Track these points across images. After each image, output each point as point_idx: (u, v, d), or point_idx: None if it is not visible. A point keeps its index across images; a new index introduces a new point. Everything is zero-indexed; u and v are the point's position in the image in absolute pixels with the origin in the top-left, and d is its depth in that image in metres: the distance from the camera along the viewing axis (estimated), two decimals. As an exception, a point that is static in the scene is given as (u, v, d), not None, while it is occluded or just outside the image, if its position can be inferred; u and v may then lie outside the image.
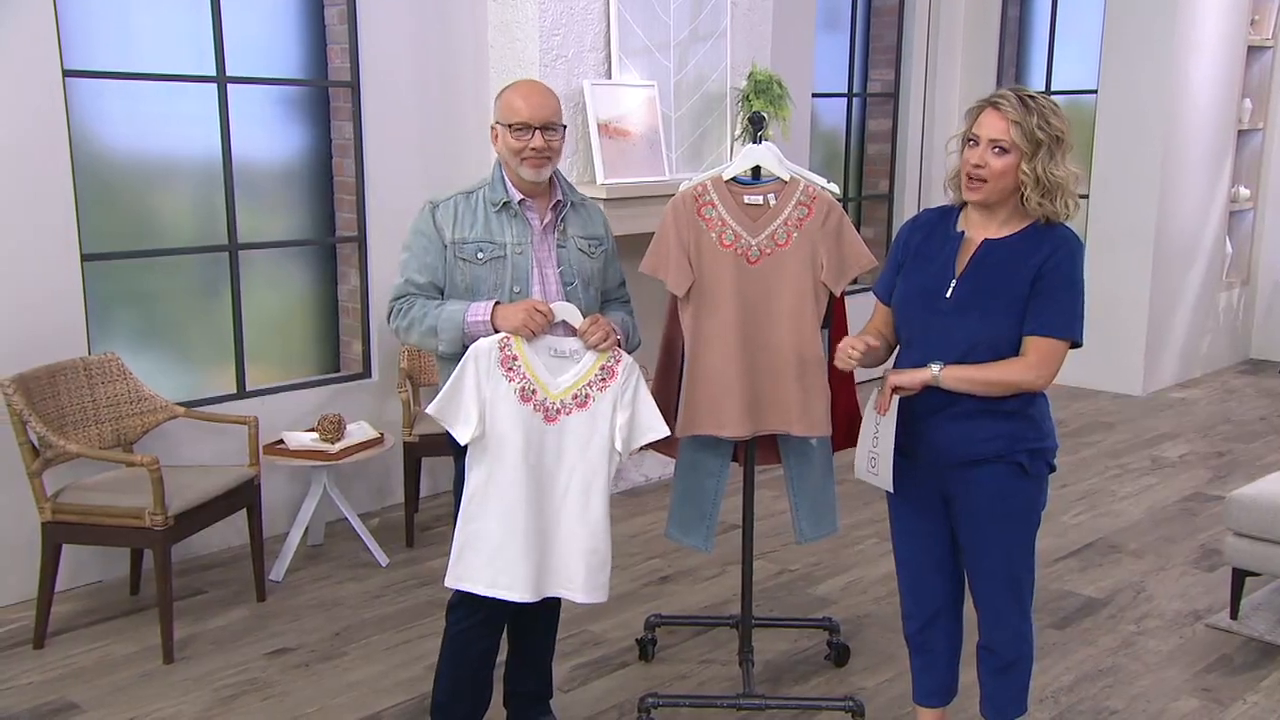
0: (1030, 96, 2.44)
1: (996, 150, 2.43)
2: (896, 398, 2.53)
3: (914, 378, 2.50)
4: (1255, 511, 3.70)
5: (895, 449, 2.56)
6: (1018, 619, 2.67)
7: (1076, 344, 2.49)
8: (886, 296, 2.69)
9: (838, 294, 3.03)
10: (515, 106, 2.68)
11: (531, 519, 2.65)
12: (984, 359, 2.48)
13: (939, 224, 2.62)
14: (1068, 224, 2.52)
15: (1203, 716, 3.24)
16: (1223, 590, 3.97)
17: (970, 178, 2.47)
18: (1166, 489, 5.27)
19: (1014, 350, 2.48)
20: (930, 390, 2.51)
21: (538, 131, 2.67)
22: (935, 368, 2.48)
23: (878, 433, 2.58)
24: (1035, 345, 2.46)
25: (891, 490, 2.61)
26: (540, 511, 2.67)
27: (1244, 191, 7.75)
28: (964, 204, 2.59)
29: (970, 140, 2.47)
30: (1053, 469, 2.62)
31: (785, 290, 2.96)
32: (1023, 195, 2.45)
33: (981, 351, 2.48)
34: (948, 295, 2.52)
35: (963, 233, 2.56)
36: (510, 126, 2.67)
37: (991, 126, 2.43)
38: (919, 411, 2.55)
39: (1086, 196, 7.01)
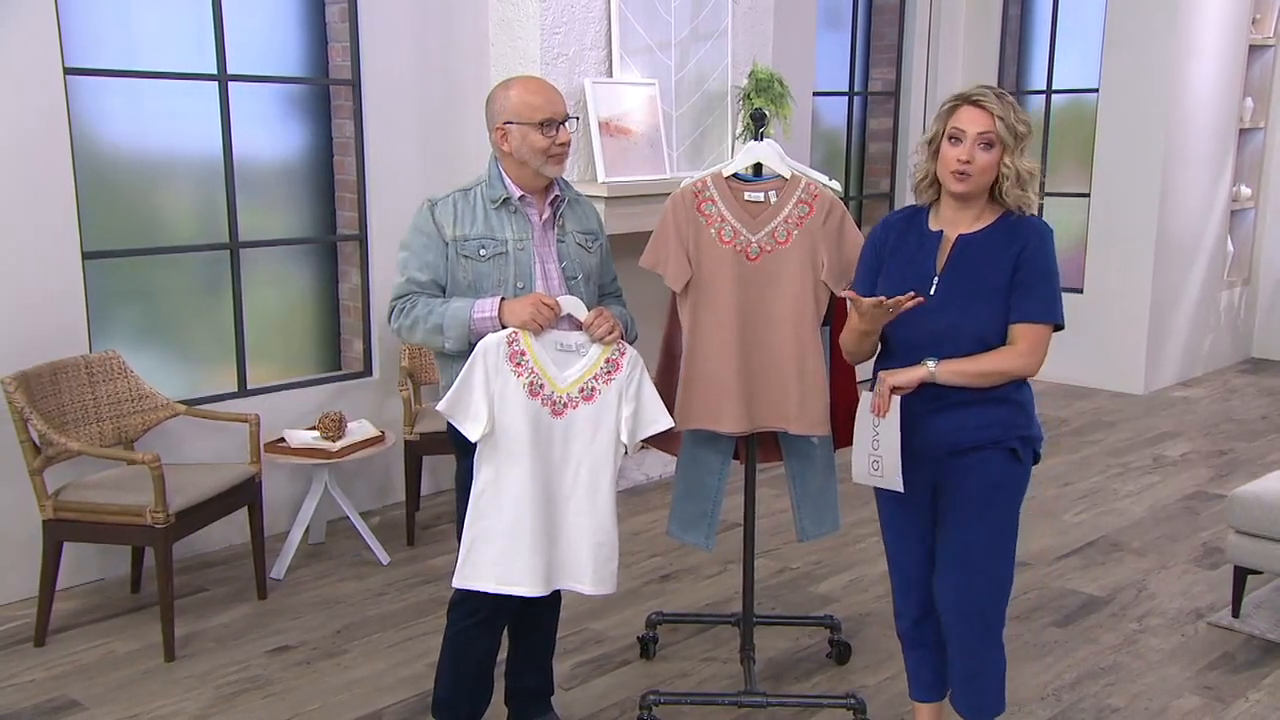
0: (1000, 92, 2.52)
1: (983, 145, 2.47)
2: (897, 398, 2.52)
3: (910, 376, 2.51)
4: (1257, 510, 3.70)
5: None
6: (993, 619, 2.65)
7: (1059, 326, 2.55)
8: (865, 294, 2.66)
9: (839, 293, 3.02)
10: (536, 104, 2.67)
11: (540, 513, 2.65)
12: (970, 351, 2.51)
13: (911, 223, 2.65)
14: (1032, 214, 2.59)
15: (1204, 715, 3.24)
16: (1224, 588, 3.97)
17: (956, 173, 2.49)
18: (1168, 487, 5.26)
19: (999, 340, 2.52)
20: (922, 384, 2.52)
21: (561, 126, 2.68)
22: (930, 364, 2.51)
23: (877, 435, 2.57)
24: (1023, 333, 2.51)
25: (901, 490, 2.59)
26: (548, 505, 2.68)
27: (1245, 190, 7.75)
28: (933, 203, 2.62)
29: (952, 138, 2.50)
30: (1038, 458, 2.64)
31: (785, 288, 2.96)
32: (999, 188, 2.51)
33: (967, 344, 2.51)
34: (931, 292, 2.54)
35: (940, 231, 2.59)
36: (539, 125, 2.66)
37: (978, 121, 2.47)
38: (911, 406, 2.56)
39: (1086, 196, 7.01)
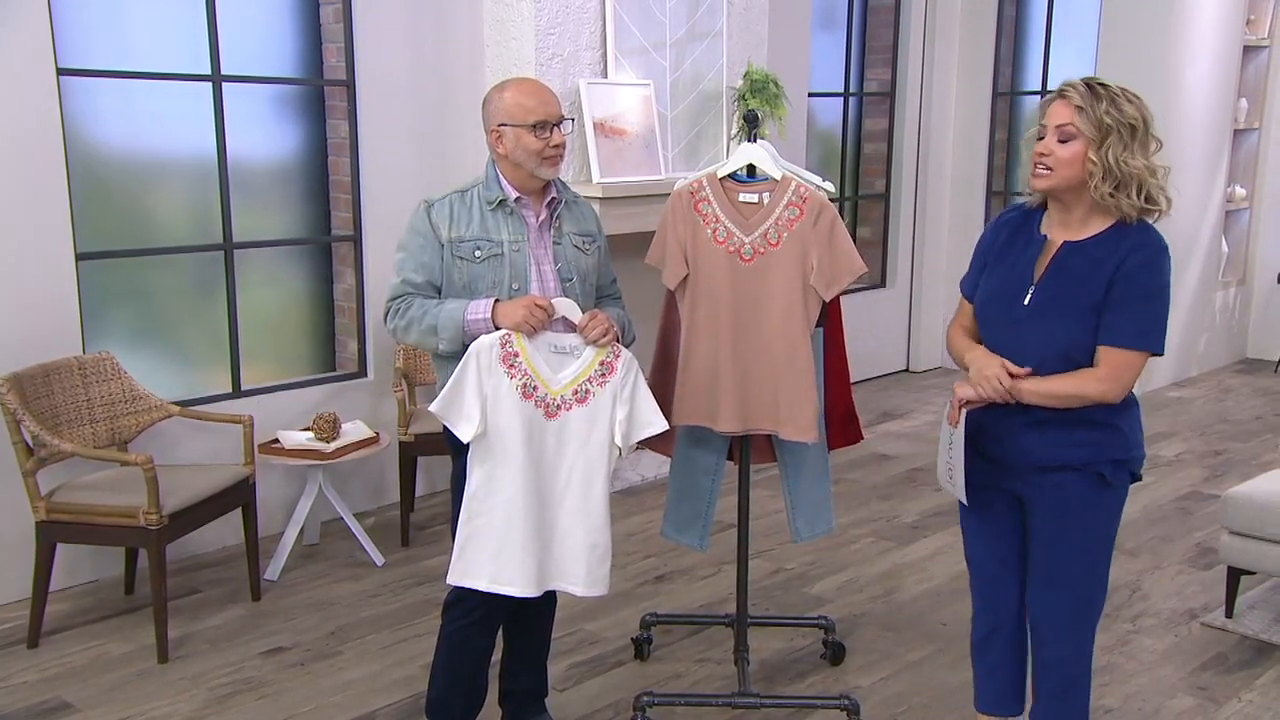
0: (1101, 84, 2.35)
1: (1062, 139, 2.35)
2: (964, 410, 2.44)
3: (982, 391, 2.42)
4: (1250, 510, 3.70)
5: (972, 456, 2.50)
6: (1081, 638, 2.58)
7: (1155, 353, 2.38)
8: (972, 294, 2.61)
9: (828, 300, 3.00)
10: (530, 106, 2.67)
11: (533, 514, 2.66)
12: (1060, 368, 2.40)
13: (1022, 225, 2.53)
14: (1152, 223, 2.41)
15: (1198, 715, 3.24)
16: (1218, 589, 3.97)
17: (1036, 165, 2.39)
18: (1163, 488, 5.27)
19: (1087, 359, 2.39)
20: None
21: (555, 128, 2.68)
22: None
23: (951, 444, 2.50)
24: (1106, 356, 2.36)
25: (964, 502, 2.53)
26: (541, 507, 2.68)
27: (1240, 191, 7.76)
28: (1044, 205, 2.51)
29: (1040, 136, 2.40)
30: (1136, 478, 2.54)
31: (777, 291, 2.96)
32: (1093, 186, 2.34)
33: (1058, 360, 2.40)
34: (1025, 302, 2.44)
35: (1045, 236, 2.47)
36: (532, 127, 2.66)
37: (1057, 114, 2.36)
38: (1001, 416, 2.47)
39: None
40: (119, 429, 3.91)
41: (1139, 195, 2.35)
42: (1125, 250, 2.36)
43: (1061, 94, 2.37)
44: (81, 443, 3.74)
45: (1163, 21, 6.68)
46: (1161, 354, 2.40)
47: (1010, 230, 2.56)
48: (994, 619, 2.72)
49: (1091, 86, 2.35)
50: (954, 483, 2.54)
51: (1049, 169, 2.37)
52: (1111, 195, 2.35)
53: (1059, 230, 2.46)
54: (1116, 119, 2.31)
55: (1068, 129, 2.34)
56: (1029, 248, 2.49)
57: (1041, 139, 2.40)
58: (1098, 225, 2.41)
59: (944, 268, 7.58)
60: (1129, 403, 2.47)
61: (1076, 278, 2.39)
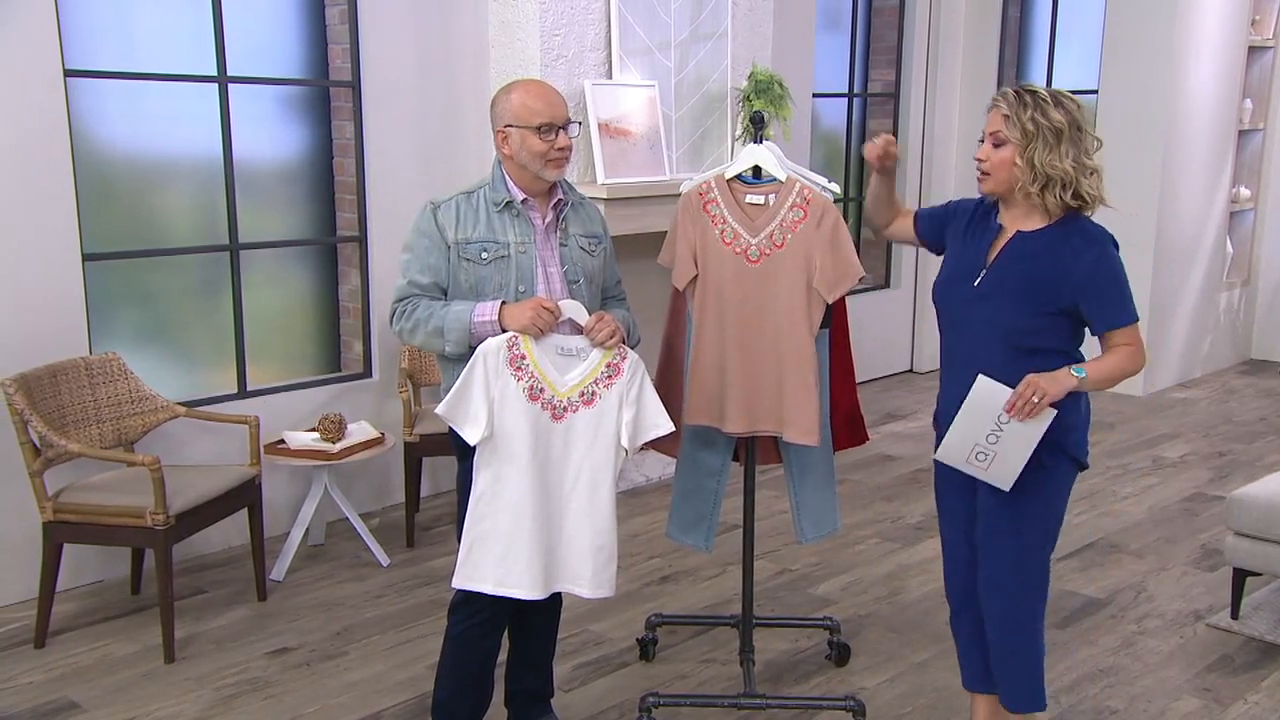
0: (1030, 91, 2.53)
1: (995, 143, 2.54)
2: (1048, 408, 2.47)
3: (1062, 387, 2.47)
4: (1256, 511, 3.70)
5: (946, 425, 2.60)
6: (1021, 612, 2.68)
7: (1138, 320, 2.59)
8: (923, 219, 2.85)
9: (830, 302, 3.01)
10: (535, 109, 2.67)
11: (539, 516, 2.66)
12: (1002, 348, 2.54)
13: (985, 214, 2.69)
14: (1090, 217, 2.60)
15: (1203, 716, 3.24)
16: (1223, 590, 3.97)
17: (979, 171, 2.59)
18: (1167, 489, 5.27)
19: (1024, 341, 2.53)
20: (966, 370, 2.55)
21: (561, 130, 2.68)
22: (1076, 371, 2.49)
23: (1000, 430, 2.49)
24: (1117, 337, 2.54)
25: (1007, 489, 2.56)
26: (548, 508, 2.68)
27: (1244, 192, 7.75)
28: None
29: (981, 140, 2.60)
30: (1083, 466, 2.65)
31: (782, 292, 2.97)
32: (1019, 187, 2.53)
33: (998, 337, 2.54)
34: (975, 284, 2.59)
35: (1001, 225, 2.63)
36: (537, 129, 2.66)
37: (991, 122, 2.57)
38: (954, 394, 2.60)
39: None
40: (125, 429, 3.92)
41: (1066, 193, 2.51)
42: (1076, 249, 2.52)
43: (994, 102, 2.56)
44: (88, 443, 3.75)
45: (1167, 22, 6.67)
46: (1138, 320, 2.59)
47: (974, 213, 2.73)
48: (955, 599, 2.84)
49: (1020, 94, 2.53)
50: (989, 468, 2.54)
51: (986, 173, 2.57)
52: (1040, 195, 2.52)
53: (1011, 221, 2.62)
54: (1041, 124, 2.49)
55: (999, 135, 2.53)
56: (985, 234, 2.65)
57: (981, 142, 2.60)
58: (1041, 220, 2.57)
59: (948, 268, 7.58)
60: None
61: (1023, 265, 2.55)
